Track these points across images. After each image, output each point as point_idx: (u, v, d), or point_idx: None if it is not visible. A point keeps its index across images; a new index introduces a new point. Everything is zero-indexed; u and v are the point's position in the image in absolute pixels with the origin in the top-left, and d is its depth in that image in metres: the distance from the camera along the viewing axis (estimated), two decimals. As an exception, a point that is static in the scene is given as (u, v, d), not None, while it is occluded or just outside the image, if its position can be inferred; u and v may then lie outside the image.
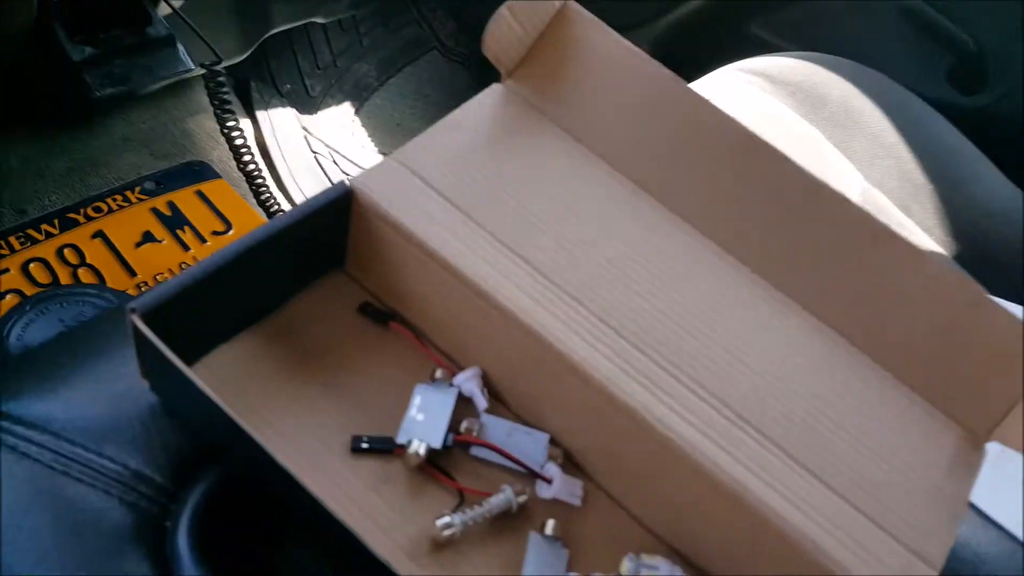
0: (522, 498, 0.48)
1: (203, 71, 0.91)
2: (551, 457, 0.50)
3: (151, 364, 0.47)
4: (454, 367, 0.53)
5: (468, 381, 0.51)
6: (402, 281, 0.53)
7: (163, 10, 1.02)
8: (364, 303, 0.54)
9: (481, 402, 0.51)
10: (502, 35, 0.56)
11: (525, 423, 0.52)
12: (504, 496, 0.47)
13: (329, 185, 0.55)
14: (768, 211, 0.54)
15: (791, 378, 0.50)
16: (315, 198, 0.50)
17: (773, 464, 0.45)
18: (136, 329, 0.43)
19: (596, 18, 0.56)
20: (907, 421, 0.51)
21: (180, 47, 0.98)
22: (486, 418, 0.51)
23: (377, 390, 0.51)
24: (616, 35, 0.56)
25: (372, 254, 0.53)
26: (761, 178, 0.54)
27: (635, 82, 0.56)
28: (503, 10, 0.55)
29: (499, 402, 0.53)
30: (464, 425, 0.50)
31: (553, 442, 0.51)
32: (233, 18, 1.13)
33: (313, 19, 1.33)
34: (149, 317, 0.43)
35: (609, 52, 0.56)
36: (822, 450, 0.47)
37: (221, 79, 0.87)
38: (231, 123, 0.88)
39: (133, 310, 0.43)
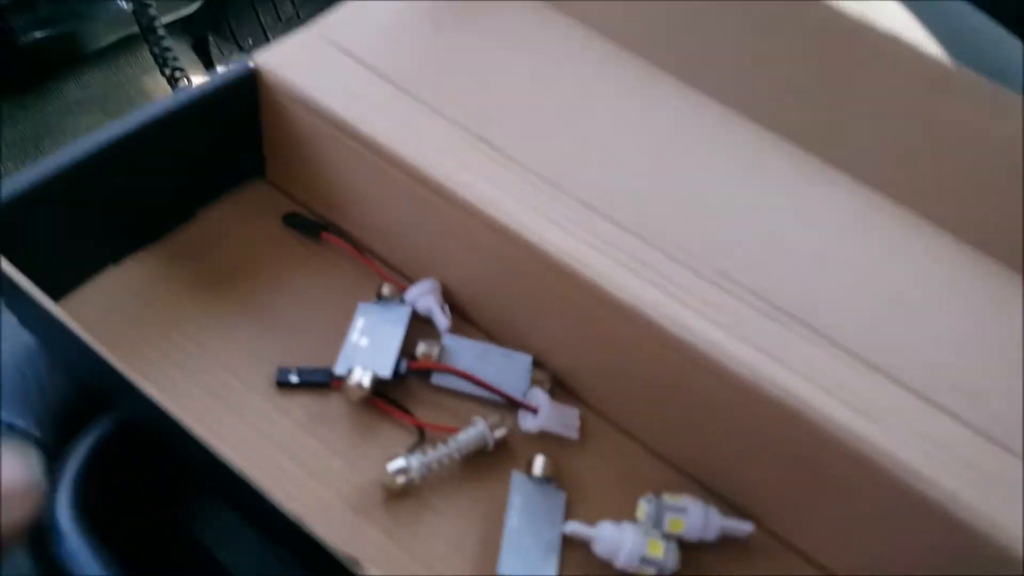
0: (500, 432, 0.37)
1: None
2: (536, 382, 0.39)
3: (10, 294, 0.36)
4: (404, 282, 0.42)
5: (423, 297, 0.40)
6: (332, 181, 0.42)
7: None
8: (290, 213, 0.43)
9: (442, 320, 0.40)
10: None
11: (500, 344, 0.41)
12: (476, 430, 0.36)
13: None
14: (792, 61, 0.43)
15: (839, 257, 0.39)
16: (209, 81, 0.40)
17: (830, 366, 0.34)
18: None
19: None
20: (994, 302, 0.39)
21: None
22: (449, 339, 0.40)
23: (309, 314, 0.40)
24: None
25: (292, 151, 0.42)
26: (780, 20, 0.43)
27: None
28: None
29: (465, 321, 0.42)
30: (421, 349, 0.39)
31: (537, 364, 0.40)
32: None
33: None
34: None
35: None
36: (890, 342, 0.36)
37: (156, 22, 0.76)
38: (176, 72, 0.78)
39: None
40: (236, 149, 0.43)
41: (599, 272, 0.35)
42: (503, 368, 0.39)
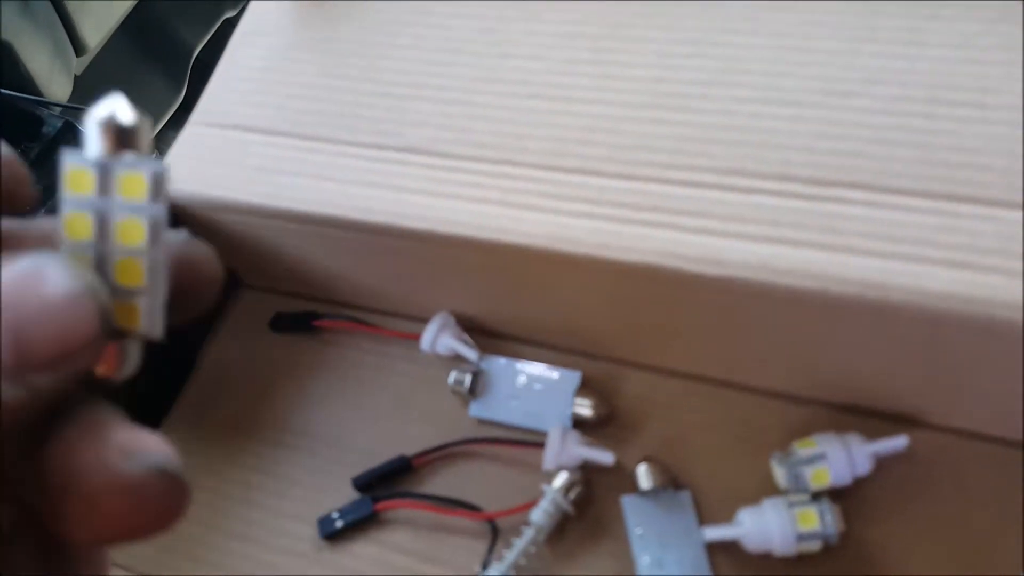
0: (575, 492, 0.31)
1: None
2: (579, 406, 0.33)
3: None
4: (412, 327, 0.36)
5: (440, 339, 0.35)
6: (298, 265, 0.37)
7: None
8: (274, 317, 0.39)
9: (470, 353, 0.35)
10: None
11: (543, 346, 0.35)
12: (548, 503, 0.31)
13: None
14: None
15: (845, 83, 0.30)
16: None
17: (903, 224, 0.27)
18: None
19: None
20: None
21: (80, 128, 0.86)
22: (485, 363, 0.35)
23: (337, 417, 0.36)
24: None
25: (247, 254, 0.37)
26: None
27: None
28: None
29: (494, 337, 0.36)
30: (453, 377, 0.34)
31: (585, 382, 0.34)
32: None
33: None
34: None
35: None
36: (934, 152, 0.28)
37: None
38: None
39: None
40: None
41: (598, 244, 0.29)
42: (546, 390, 0.34)
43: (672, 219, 0.29)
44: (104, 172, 0.13)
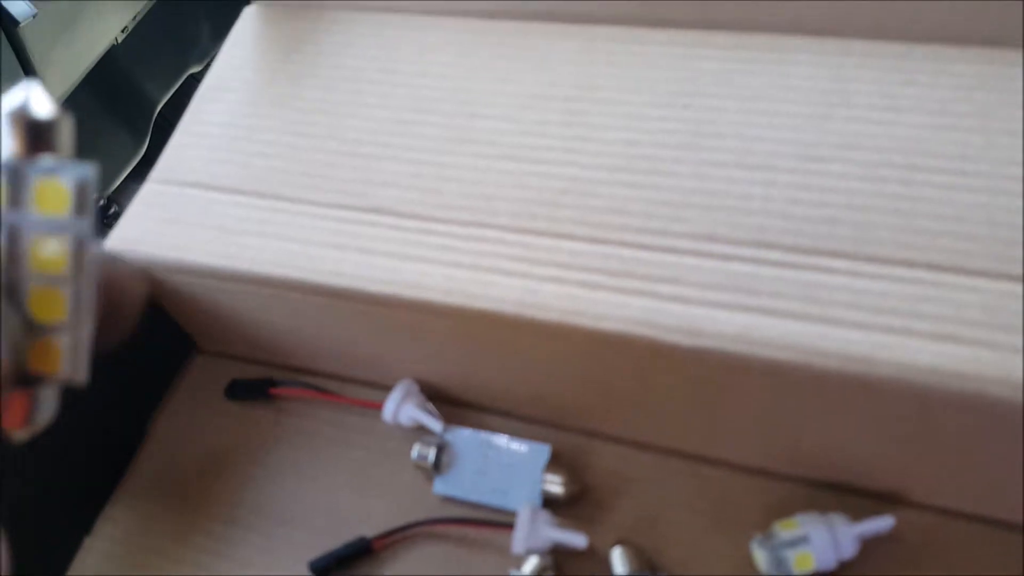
0: None
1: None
2: (548, 483, 0.31)
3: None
4: (376, 395, 0.35)
5: (403, 409, 0.33)
6: (256, 329, 0.35)
7: None
8: (229, 384, 0.37)
9: (434, 425, 0.33)
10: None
11: (513, 416, 0.34)
12: None
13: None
14: None
15: (820, 148, 0.30)
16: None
17: (885, 294, 0.26)
18: None
19: None
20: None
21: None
22: (449, 434, 0.33)
23: (296, 489, 0.34)
24: None
25: (203, 317, 0.36)
26: None
27: None
28: None
29: (459, 406, 0.35)
30: (417, 452, 0.32)
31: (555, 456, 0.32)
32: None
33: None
34: None
35: None
36: (915, 220, 0.27)
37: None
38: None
39: None
40: (155, 347, 0.36)
41: (569, 310, 0.27)
42: (514, 464, 0.32)
43: (646, 286, 0.27)
44: (16, 178, 0.11)
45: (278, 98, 0.35)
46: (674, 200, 0.29)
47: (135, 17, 0.91)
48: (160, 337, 0.37)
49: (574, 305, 0.27)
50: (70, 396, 0.30)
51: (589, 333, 0.27)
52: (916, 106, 0.29)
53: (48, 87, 0.73)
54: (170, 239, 0.32)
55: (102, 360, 0.15)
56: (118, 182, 0.91)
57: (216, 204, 0.33)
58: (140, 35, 0.92)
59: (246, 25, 0.38)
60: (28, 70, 0.79)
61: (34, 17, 0.72)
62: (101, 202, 0.82)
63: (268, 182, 0.33)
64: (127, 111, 1.07)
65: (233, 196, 0.33)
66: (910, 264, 0.26)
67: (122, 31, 0.87)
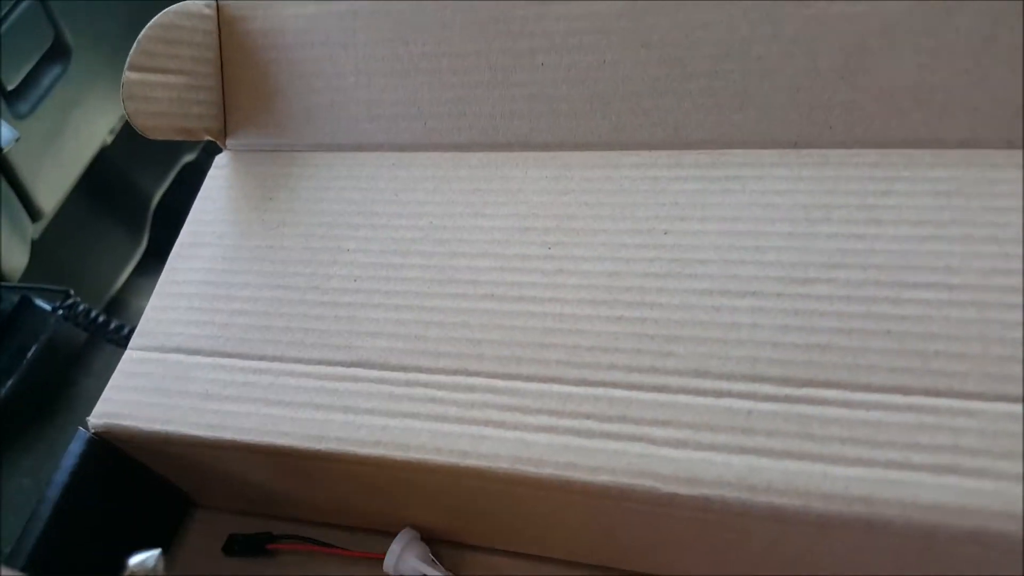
0: None
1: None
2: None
3: None
4: (378, 544, 0.34)
5: (404, 561, 0.33)
6: (253, 490, 0.34)
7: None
8: (227, 540, 0.36)
9: (434, 574, 0.32)
10: (161, 101, 0.37)
11: (510, 553, 0.33)
12: None
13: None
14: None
15: (805, 269, 0.29)
16: (58, 475, 0.33)
17: (882, 426, 0.25)
18: None
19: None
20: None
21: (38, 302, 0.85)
22: (457, 589, 0.32)
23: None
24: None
25: (196, 479, 0.35)
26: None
27: (371, 30, 0.37)
28: (131, 75, 0.35)
29: (466, 547, 0.34)
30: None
31: None
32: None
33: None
34: None
35: (312, 19, 0.37)
36: (906, 342, 0.27)
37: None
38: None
39: None
40: (147, 508, 0.36)
41: (564, 463, 0.27)
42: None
43: (640, 430, 0.27)
44: None
45: (256, 250, 0.35)
46: (661, 334, 0.29)
47: (123, 116, 0.92)
48: (156, 492, 0.36)
49: (568, 457, 0.27)
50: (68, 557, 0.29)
51: (585, 486, 0.27)
52: (897, 217, 0.29)
53: (39, 201, 0.72)
54: (153, 411, 0.32)
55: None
56: (123, 279, 0.90)
57: (197, 369, 0.32)
58: (129, 133, 0.92)
59: (218, 175, 0.38)
60: (17, 188, 0.79)
61: (16, 141, 0.72)
62: (81, 307, 0.80)
63: (249, 342, 0.33)
64: (124, 208, 1.07)
65: (215, 359, 0.33)
66: (905, 391, 0.26)
67: (110, 132, 0.87)
